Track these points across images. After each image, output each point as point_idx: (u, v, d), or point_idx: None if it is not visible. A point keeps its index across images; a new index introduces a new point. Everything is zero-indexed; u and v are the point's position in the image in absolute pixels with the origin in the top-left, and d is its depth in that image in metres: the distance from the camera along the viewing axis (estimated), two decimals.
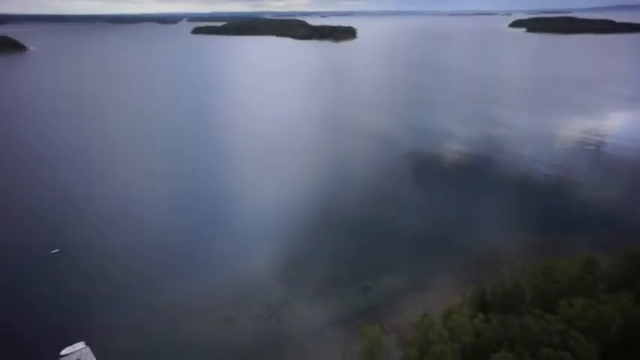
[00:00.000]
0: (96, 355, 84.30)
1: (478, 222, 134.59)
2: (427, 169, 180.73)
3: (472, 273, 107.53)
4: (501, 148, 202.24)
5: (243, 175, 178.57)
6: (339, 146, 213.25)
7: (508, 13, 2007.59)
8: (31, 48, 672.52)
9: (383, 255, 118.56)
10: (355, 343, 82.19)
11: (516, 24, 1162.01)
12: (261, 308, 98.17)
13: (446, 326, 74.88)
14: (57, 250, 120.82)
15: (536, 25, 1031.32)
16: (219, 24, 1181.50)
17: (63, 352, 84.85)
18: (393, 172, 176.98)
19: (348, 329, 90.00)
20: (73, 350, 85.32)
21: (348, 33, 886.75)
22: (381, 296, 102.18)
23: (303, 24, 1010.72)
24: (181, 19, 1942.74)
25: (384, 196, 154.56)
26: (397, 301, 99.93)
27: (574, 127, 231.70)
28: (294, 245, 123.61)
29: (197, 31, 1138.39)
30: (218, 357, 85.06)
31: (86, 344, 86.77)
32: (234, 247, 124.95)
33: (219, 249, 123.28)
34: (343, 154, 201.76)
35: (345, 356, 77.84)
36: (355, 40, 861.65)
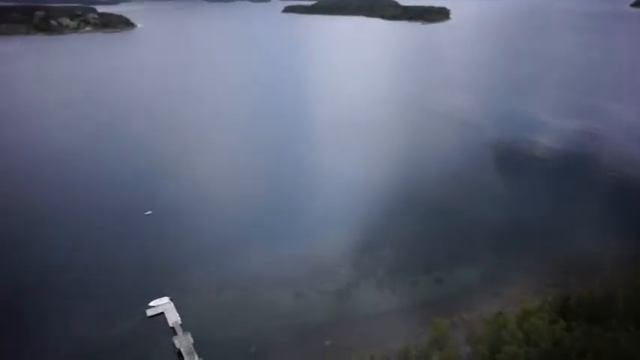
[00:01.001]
0: (177, 310, 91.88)
1: (569, 222, 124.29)
2: (515, 161, 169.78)
3: (556, 276, 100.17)
4: (603, 143, 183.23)
5: (326, 155, 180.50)
6: (424, 130, 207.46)
7: None
8: (139, 25, 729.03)
9: (459, 246, 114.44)
10: (422, 332, 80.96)
11: None
12: (331, 287, 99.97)
13: (521, 328, 70.80)
14: (150, 212, 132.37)
15: None
16: (309, 3, 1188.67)
17: (150, 304, 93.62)
18: (478, 160, 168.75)
19: (416, 318, 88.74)
20: (159, 303, 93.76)
21: (441, 14, 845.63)
22: (453, 288, 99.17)
23: (394, 4, 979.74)
24: None
25: (466, 184, 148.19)
26: (470, 295, 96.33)
27: None
28: (369, 228, 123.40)
29: (288, 10, 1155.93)
30: (284, 328, 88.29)
31: (170, 299, 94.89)
32: (312, 224, 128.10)
33: (297, 225, 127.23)
34: (427, 139, 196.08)
35: (409, 344, 76.96)
36: (448, 21, 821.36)
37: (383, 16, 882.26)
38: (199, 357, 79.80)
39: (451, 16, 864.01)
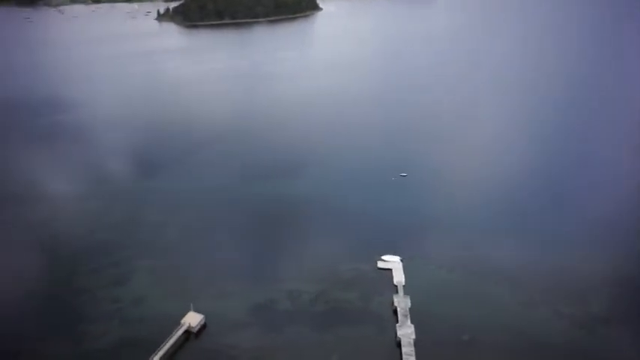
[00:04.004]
0: (404, 272, 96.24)
1: None
2: None
3: None
4: None
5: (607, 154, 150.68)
6: None
7: None
8: None
9: None
10: None
11: None
12: (572, 309, 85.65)
13: None
14: (405, 174, 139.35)
15: None
16: None
17: (383, 257, 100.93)
18: None
19: None
20: (390, 260, 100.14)
21: None
22: None
23: None
24: None
25: None
26: None
27: None
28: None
29: None
30: (505, 332, 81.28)
31: (401, 260, 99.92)
32: (573, 230, 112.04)
33: (558, 225, 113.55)
34: None
35: None
36: None
37: None
38: (412, 322, 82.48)
39: None
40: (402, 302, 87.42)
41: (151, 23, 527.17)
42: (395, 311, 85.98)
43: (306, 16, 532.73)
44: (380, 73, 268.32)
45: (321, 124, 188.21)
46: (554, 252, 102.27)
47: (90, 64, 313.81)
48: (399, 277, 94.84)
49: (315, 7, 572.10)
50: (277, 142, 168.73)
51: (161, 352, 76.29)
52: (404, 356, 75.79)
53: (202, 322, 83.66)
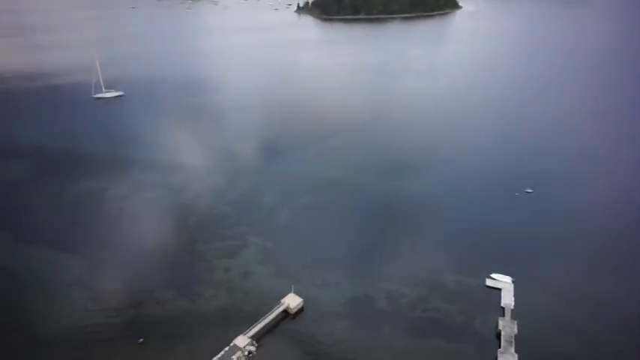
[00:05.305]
0: (515, 294, 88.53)
1: None
2: None
3: None
4: None
5: None
6: None
7: None
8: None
9: None
10: None
11: None
12: None
13: None
14: (531, 190, 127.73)
15: None
16: None
17: (492, 276, 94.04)
18: None
19: None
20: (500, 279, 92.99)
21: None
22: None
23: None
24: None
25: None
26: None
27: None
28: None
29: None
30: None
31: (512, 281, 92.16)
32: None
33: None
34: None
35: None
36: None
37: None
38: (516, 351, 75.78)
39: None
40: (507, 327, 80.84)
41: (291, 15, 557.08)
42: (498, 335, 79.85)
43: (443, 15, 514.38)
44: (514, 79, 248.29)
45: (446, 125, 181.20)
46: None
47: (236, 51, 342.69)
48: (507, 299, 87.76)
49: (455, 6, 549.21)
50: (399, 139, 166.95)
51: (260, 325, 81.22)
52: None
53: (300, 306, 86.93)
